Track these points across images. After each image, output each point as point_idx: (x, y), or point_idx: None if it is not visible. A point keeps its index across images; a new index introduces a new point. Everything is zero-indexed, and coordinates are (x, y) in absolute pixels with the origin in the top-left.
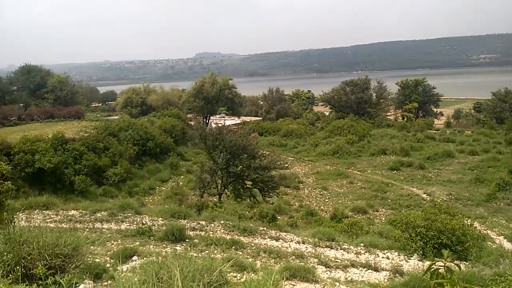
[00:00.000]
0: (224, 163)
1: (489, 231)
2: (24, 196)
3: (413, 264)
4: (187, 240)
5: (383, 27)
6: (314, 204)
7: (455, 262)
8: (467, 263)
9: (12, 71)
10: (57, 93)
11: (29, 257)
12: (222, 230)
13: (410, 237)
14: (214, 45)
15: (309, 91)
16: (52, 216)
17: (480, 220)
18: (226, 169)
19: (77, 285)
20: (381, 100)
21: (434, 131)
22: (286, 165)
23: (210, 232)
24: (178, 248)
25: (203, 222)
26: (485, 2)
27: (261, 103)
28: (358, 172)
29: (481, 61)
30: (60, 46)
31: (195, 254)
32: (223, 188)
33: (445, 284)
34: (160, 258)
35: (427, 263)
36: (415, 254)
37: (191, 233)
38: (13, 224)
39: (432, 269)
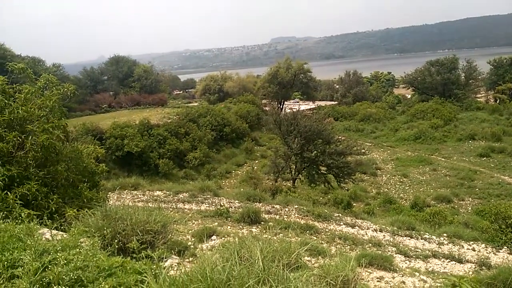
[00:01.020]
0: (298, 148)
1: None
2: (115, 178)
3: (503, 257)
4: (262, 222)
5: (472, 2)
6: (393, 191)
7: None
8: None
9: (102, 62)
10: (142, 81)
11: (124, 233)
12: (296, 215)
13: (500, 229)
14: (289, 29)
15: (389, 73)
16: (139, 196)
17: None
18: (300, 154)
19: (165, 259)
20: (470, 81)
21: None
22: (363, 150)
23: (285, 216)
24: (253, 230)
25: (278, 206)
26: None
27: (337, 86)
28: (443, 159)
29: None
30: (143, 36)
31: (270, 237)
32: (297, 173)
33: None
34: (237, 238)
35: None
36: (505, 247)
37: (266, 216)
38: (107, 202)
39: None
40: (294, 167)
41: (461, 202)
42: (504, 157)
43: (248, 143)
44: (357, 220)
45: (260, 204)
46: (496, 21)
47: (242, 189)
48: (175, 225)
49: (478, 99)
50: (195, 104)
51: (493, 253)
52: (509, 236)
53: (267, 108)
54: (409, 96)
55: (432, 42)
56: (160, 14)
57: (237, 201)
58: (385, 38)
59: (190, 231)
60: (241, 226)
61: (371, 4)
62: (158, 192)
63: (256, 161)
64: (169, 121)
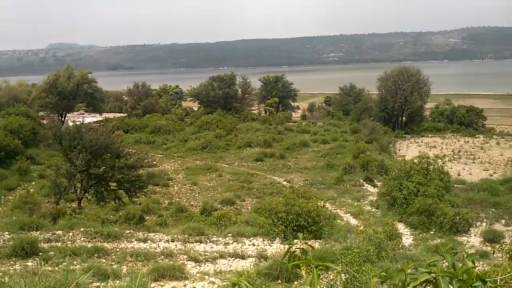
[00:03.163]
0: (83, 165)
1: (338, 210)
2: None
3: (276, 248)
4: (40, 253)
5: (246, 26)
6: (184, 200)
7: (311, 241)
8: (321, 241)
9: None
10: None
11: None
12: (82, 239)
13: (273, 223)
14: (70, 35)
15: (177, 86)
16: None
17: (331, 201)
18: (86, 171)
19: None
20: (246, 95)
21: (292, 124)
22: (155, 162)
23: (69, 242)
24: (29, 263)
25: (60, 232)
26: (335, 3)
27: (126, 98)
28: (227, 165)
29: (330, 59)
30: None
31: (50, 269)
32: (83, 192)
33: (301, 264)
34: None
35: (287, 246)
36: (278, 238)
37: (45, 245)
38: None
39: (290, 252)
40: (80, 185)
41: (243, 202)
42: (274, 161)
43: (22, 162)
44: (149, 234)
45: (38, 233)
46: (264, 44)
47: (14, 218)
48: None
49: (253, 111)
50: None
51: (269, 245)
52: (281, 228)
53: (45, 121)
54: (196, 109)
55: (214, 60)
56: None
57: (7, 232)
58: (172, 53)
59: None
60: (12, 262)
61: (158, 17)
62: None
63: (33, 183)
64: None
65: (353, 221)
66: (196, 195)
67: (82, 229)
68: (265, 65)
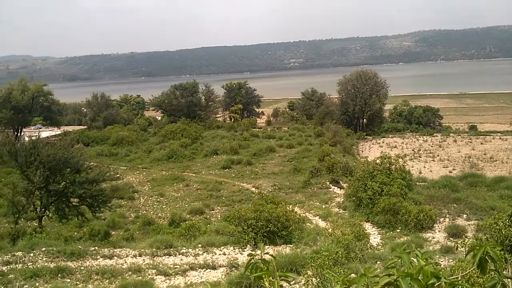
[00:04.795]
0: (42, 181)
1: (307, 214)
2: None
3: (247, 255)
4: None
5: (207, 34)
6: (151, 212)
7: (282, 247)
8: (292, 246)
9: None
10: None
11: None
12: (44, 259)
13: (243, 230)
14: (23, 47)
15: (138, 96)
16: None
17: (300, 205)
18: (45, 187)
19: None
20: (209, 103)
21: (257, 129)
22: (118, 175)
23: (30, 263)
24: None
25: (20, 253)
26: (291, 10)
27: (85, 110)
28: (193, 174)
29: (291, 65)
30: None
31: None
32: (43, 210)
33: (263, 276)
34: None
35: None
36: (248, 245)
37: (4, 268)
38: None
39: (251, 263)
40: (39, 203)
41: (212, 211)
42: (241, 167)
43: None
44: (115, 250)
45: None
46: (226, 52)
47: None
48: None
49: (218, 119)
50: None
51: (240, 253)
52: (251, 235)
53: None
54: (159, 118)
55: (176, 68)
56: None
57: None
58: (131, 62)
59: None
60: None
61: (115, 27)
62: None
63: None
64: None
65: (322, 224)
66: (163, 206)
67: (43, 248)
68: (228, 72)
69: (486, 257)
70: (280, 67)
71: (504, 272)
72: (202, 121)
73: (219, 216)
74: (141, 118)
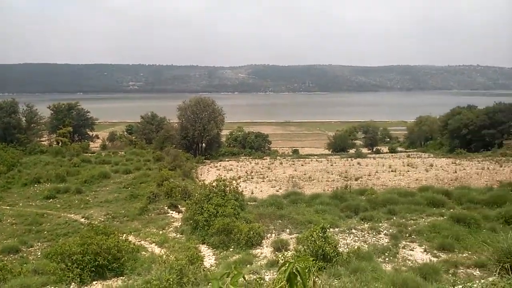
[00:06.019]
0: None
1: (143, 242)
2: None
3: None
4: None
5: (32, 49)
6: None
7: (112, 280)
8: (124, 278)
9: None
10: None
11: None
12: None
13: (66, 267)
14: None
15: None
16: None
17: (135, 233)
18: None
19: None
20: (32, 125)
21: (90, 154)
22: None
23: None
24: None
25: None
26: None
27: None
28: (8, 207)
29: (130, 88)
30: None
31: None
32: None
33: None
34: None
35: None
36: (73, 283)
37: None
38: None
39: None
40: None
41: (30, 249)
42: (69, 196)
43: None
44: None
45: None
46: (55, 69)
47: None
48: None
49: (42, 142)
50: None
51: None
52: (76, 272)
53: None
54: None
55: None
56: None
57: None
58: None
59: None
60: None
61: None
62: None
63: None
64: None
65: (158, 251)
66: None
67: None
68: (57, 92)
69: (295, 271)
70: (118, 89)
71: (317, 279)
72: (22, 145)
73: (39, 254)
74: None
